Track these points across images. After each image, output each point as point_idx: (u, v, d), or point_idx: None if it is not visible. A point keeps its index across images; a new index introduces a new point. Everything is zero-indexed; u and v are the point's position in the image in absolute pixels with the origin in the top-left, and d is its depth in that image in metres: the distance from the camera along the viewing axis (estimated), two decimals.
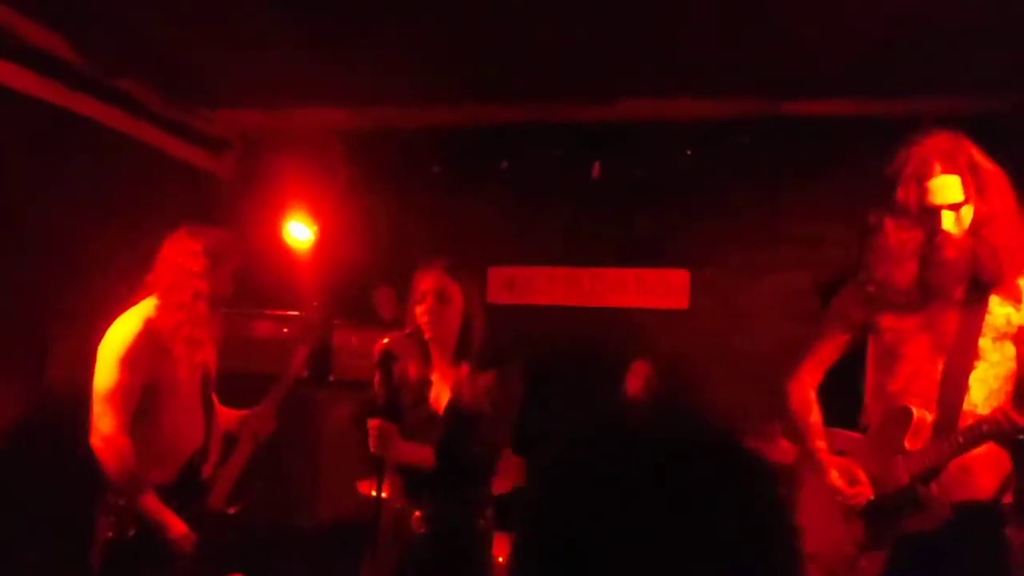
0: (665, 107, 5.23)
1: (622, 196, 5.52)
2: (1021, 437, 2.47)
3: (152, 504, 3.20)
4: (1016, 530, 2.72)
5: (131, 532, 3.20)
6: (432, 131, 5.61)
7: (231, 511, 3.57)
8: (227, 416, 3.66)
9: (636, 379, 4.72)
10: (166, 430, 3.32)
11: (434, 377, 3.10)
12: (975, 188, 2.61)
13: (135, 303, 3.39)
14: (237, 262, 3.52)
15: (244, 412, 3.67)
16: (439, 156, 5.63)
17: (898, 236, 2.67)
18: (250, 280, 5.25)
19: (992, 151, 4.64)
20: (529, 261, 5.77)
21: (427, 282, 3.04)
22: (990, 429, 2.50)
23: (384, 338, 3.03)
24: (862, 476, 2.72)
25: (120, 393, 3.19)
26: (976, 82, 4.53)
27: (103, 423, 3.17)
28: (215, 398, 3.66)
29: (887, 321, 2.74)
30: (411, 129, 5.63)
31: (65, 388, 3.68)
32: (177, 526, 3.22)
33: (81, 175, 4.59)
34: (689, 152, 5.32)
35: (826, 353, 2.93)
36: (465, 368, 3.05)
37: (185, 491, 3.36)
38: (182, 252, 3.39)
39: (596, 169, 5.50)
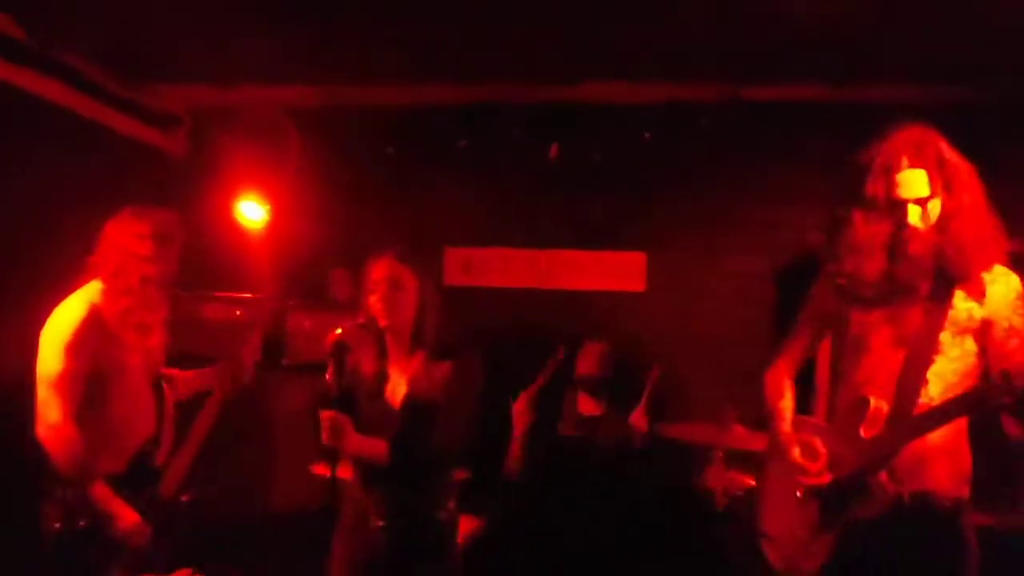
0: (624, 90, 5.20)
1: (580, 178, 5.48)
2: (1008, 400, 2.42)
3: (102, 494, 3.12)
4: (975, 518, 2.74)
5: (81, 523, 3.11)
6: (387, 110, 5.52)
7: (183, 499, 3.48)
8: (186, 382, 3.59)
9: (587, 359, 4.70)
10: (115, 418, 3.23)
11: (390, 369, 3.06)
12: (942, 183, 2.62)
13: (78, 287, 3.28)
14: (181, 242, 3.42)
15: (209, 368, 3.61)
16: (394, 135, 5.54)
17: (867, 229, 2.68)
18: (202, 261, 5.18)
19: (951, 140, 4.73)
20: (486, 242, 5.73)
21: (379, 270, 2.99)
22: (976, 396, 2.51)
23: (337, 328, 2.97)
24: (822, 451, 2.76)
25: (65, 381, 3.09)
26: (935, 71, 4.56)
27: (49, 412, 3.08)
28: (165, 383, 3.57)
29: (856, 313, 2.76)
30: (366, 107, 5.54)
31: (7, 376, 3.54)
32: (128, 516, 3.15)
33: (25, 153, 4.44)
34: (648, 135, 5.30)
35: (799, 345, 2.99)
36: (421, 357, 3.01)
37: (136, 480, 3.28)
38: (127, 234, 3.28)
39: (554, 150, 5.46)
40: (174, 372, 3.61)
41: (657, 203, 5.44)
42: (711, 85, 5.06)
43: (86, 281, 3.29)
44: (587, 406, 4.58)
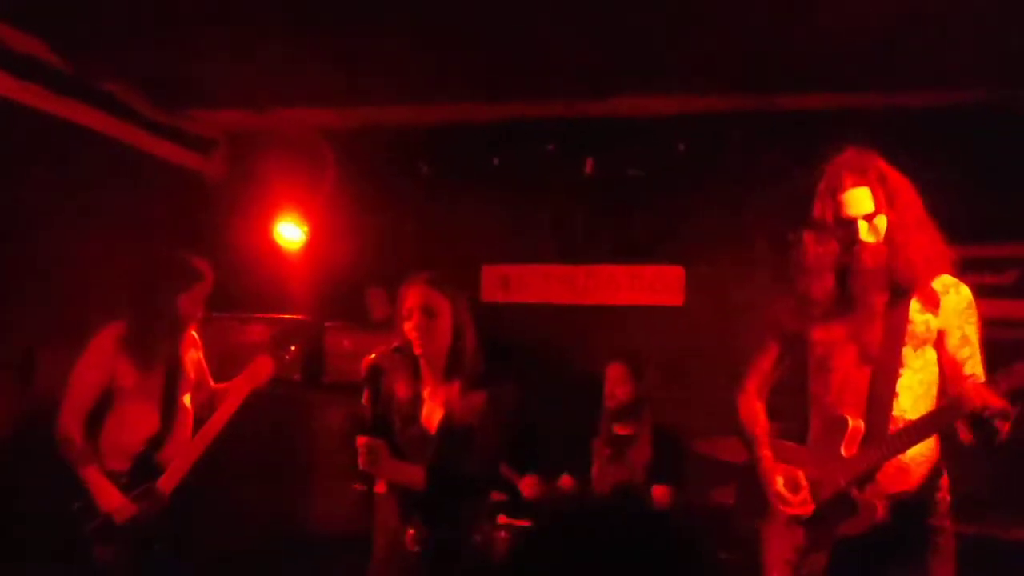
0: (658, 103, 5.17)
1: (615, 192, 5.46)
2: (988, 413, 2.50)
3: (93, 476, 3.56)
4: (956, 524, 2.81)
5: (76, 504, 3.54)
6: (421, 129, 5.54)
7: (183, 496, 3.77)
8: (219, 389, 3.98)
9: (609, 388, 4.54)
10: (122, 424, 3.68)
11: (425, 394, 3.05)
12: (885, 198, 2.74)
13: (115, 317, 3.72)
14: (211, 283, 3.81)
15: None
16: (429, 154, 5.57)
17: (815, 249, 2.80)
18: (240, 283, 5.25)
19: (985, 142, 4.66)
20: (523, 259, 5.72)
21: (412, 298, 2.98)
22: (953, 407, 2.57)
23: (371, 354, 2.98)
24: (804, 482, 2.81)
25: (80, 389, 3.64)
26: (969, 76, 4.48)
27: (63, 411, 3.62)
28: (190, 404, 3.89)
29: (817, 334, 2.85)
30: (400, 127, 5.56)
31: (50, 401, 3.72)
32: (113, 498, 3.55)
33: (68, 180, 4.55)
34: (682, 148, 5.26)
35: (766, 364, 3.04)
36: (457, 385, 2.99)
37: (137, 475, 3.65)
38: (157, 276, 3.73)
39: (589, 165, 5.44)
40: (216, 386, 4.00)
41: (694, 216, 5.38)
42: (745, 96, 5.01)
43: (119, 313, 3.72)
44: (620, 428, 4.53)
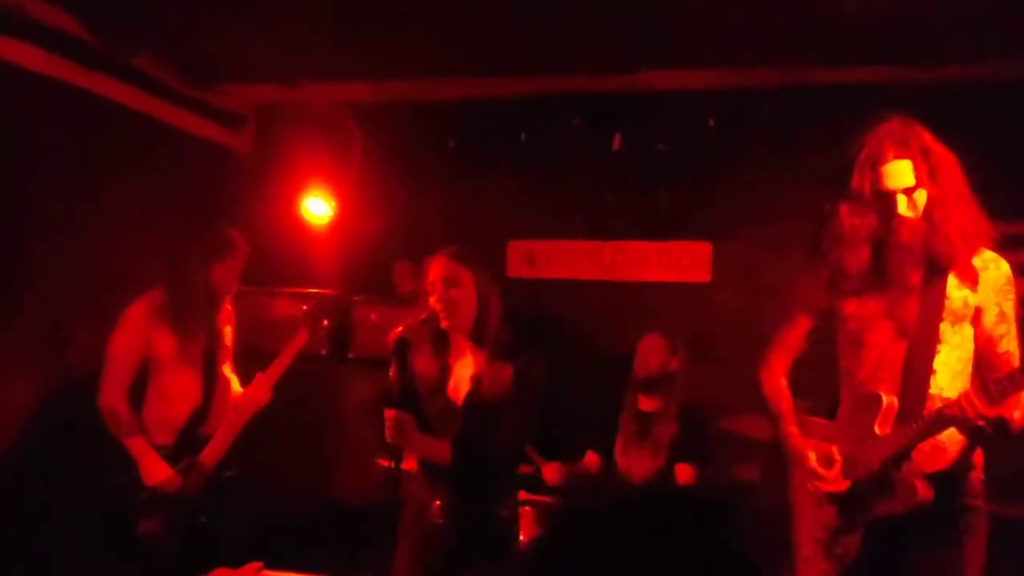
0: (686, 77, 5.12)
1: (643, 168, 5.42)
2: (981, 423, 2.51)
3: (139, 447, 3.61)
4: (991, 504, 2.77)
5: (121, 479, 3.59)
6: (449, 104, 5.53)
7: (226, 473, 3.85)
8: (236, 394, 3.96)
9: (643, 359, 4.55)
10: (164, 396, 3.72)
11: (452, 366, 3.06)
12: (927, 172, 2.67)
13: (151, 287, 3.75)
14: (244, 255, 3.85)
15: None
16: (456, 129, 5.55)
17: (852, 221, 2.74)
18: (268, 257, 5.28)
19: (1019, 116, 4.57)
20: (549, 235, 5.70)
21: (436, 270, 3.00)
22: (952, 414, 2.55)
23: (399, 326, 2.99)
24: (838, 457, 2.77)
25: (122, 361, 3.67)
26: (1007, 48, 4.40)
27: (105, 384, 3.65)
28: (232, 377, 3.93)
29: (850, 308, 2.80)
30: (427, 102, 5.55)
31: (85, 374, 3.76)
32: (159, 469, 3.60)
33: (98, 155, 4.58)
34: (711, 123, 5.21)
35: (793, 339, 2.98)
36: (483, 356, 3.00)
37: (181, 449, 3.71)
38: (193, 248, 3.75)
39: (617, 141, 5.40)
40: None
41: (722, 192, 5.34)
42: (775, 70, 4.94)
43: (156, 284, 3.73)
44: (644, 402, 4.51)
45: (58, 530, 4.08)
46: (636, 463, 4.41)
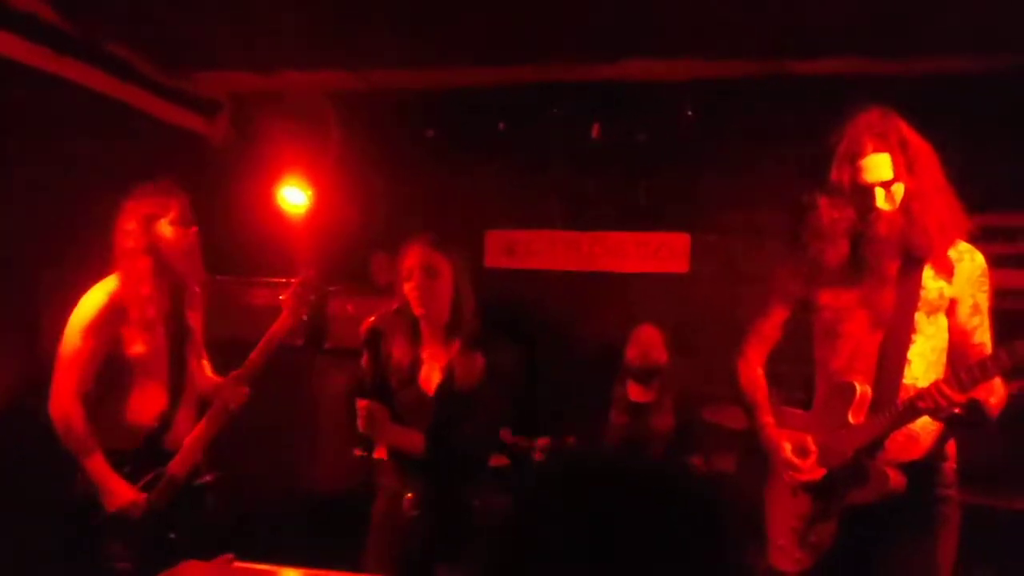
0: (666, 67, 5.10)
1: (622, 158, 5.42)
2: (956, 411, 2.53)
3: (98, 467, 3.15)
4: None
5: (81, 491, 3.17)
6: (428, 93, 5.49)
7: (205, 479, 3.46)
8: (210, 383, 3.58)
9: (636, 347, 4.56)
10: (128, 400, 3.26)
11: (424, 356, 3.03)
12: (905, 165, 2.68)
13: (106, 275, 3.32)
14: (182, 206, 3.34)
15: (220, 380, 3.55)
16: (434, 118, 5.52)
17: (830, 214, 2.75)
18: (244, 246, 5.23)
19: (995, 109, 4.59)
20: (528, 225, 5.70)
21: (413, 257, 2.96)
22: (925, 405, 2.56)
23: (371, 316, 2.96)
24: (813, 448, 2.79)
25: (76, 361, 3.16)
26: (984, 41, 4.41)
27: (57, 389, 3.15)
28: (204, 365, 3.61)
29: (825, 298, 2.82)
30: (405, 90, 5.52)
31: (45, 357, 3.61)
32: (122, 492, 3.16)
33: (71, 142, 4.51)
34: (690, 113, 5.20)
35: (769, 330, 2.99)
36: (456, 347, 2.98)
37: (144, 458, 3.28)
38: (124, 226, 3.31)
39: (596, 130, 5.39)
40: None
41: (701, 183, 5.36)
42: (755, 60, 4.94)
43: (111, 271, 3.30)
44: (637, 393, 4.50)
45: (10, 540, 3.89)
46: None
